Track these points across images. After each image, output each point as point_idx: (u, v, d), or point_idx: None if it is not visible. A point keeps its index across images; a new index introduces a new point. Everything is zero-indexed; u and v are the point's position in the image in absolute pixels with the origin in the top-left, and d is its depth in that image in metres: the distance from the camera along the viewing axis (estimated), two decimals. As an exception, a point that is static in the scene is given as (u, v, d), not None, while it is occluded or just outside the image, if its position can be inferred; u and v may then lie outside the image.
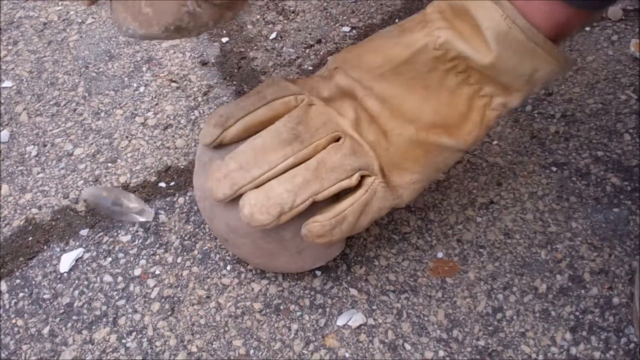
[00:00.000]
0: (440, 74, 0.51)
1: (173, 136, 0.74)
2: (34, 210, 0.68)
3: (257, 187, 0.53)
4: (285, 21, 0.88)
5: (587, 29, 0.84)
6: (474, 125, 0.52)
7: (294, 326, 0.59)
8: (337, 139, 0.53)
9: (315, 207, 0.53)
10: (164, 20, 0.53)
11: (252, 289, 0.61)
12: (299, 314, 0.60)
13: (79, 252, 0.64)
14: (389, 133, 0.53)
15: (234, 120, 0.55)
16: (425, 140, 0.53)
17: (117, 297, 0.61)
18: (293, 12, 0.89)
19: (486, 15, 0.47)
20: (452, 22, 0.50)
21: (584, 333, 0.58)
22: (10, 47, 0.86)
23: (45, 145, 0.74)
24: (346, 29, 0.87)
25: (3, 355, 0.58)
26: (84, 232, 0.66)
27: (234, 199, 0.54)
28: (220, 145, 0.56)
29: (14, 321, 0.60)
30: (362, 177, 0.53)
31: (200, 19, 0.53)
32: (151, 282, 0.62)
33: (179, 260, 0.64)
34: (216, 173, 0.54)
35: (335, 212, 0.53)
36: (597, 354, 0.57)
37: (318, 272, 0.62)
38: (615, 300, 0.60)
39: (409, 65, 0.51)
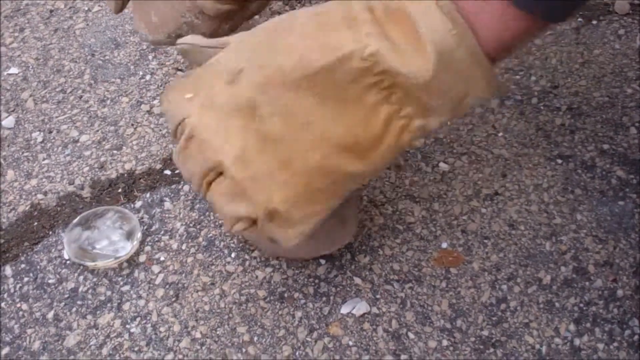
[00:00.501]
0: (361, 87, 0.43)
1: (179, 124, 0.74)
2: (40, 196, 0.68)
3: None
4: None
5: (594, 22, 0.84)
6: (388, 149, 0.45)
7: (298, 314, 0.59)
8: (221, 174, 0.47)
9: None
10: (167, 28, 0.62)
11: (257, 277, 0.62)
12: (303, 301, 0.60)
13: (84, 237, 0.65)
14: (291, 162, 0.45)
15: None
16: (332, 169, 0.45)
17: (121, 283, 0.62)
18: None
19: (431, 25, 0.40)
20: (384, 26, 0.42)
21: (588, 325, 0.58)
22: (16, 34, 0.86)
23: (50, 132, 0.74)
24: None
25: (7, 339, 0.58)
26: (89, 218, 0.67)
27: None
28: None
29: (18, 305, 0.60)
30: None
31: (198, 29, 0.61)
32: (156, 269, 0.62)
33: (183, 247, 0.64)
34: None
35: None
36: (600, 346, 0.57)
37: (322, 261, 0.62)
38: (620, 292, 0.60)
39: (327, 73, 0.43)
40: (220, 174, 0.46)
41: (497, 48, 0.42)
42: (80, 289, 0.61)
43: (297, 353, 0.57)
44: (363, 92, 0.43)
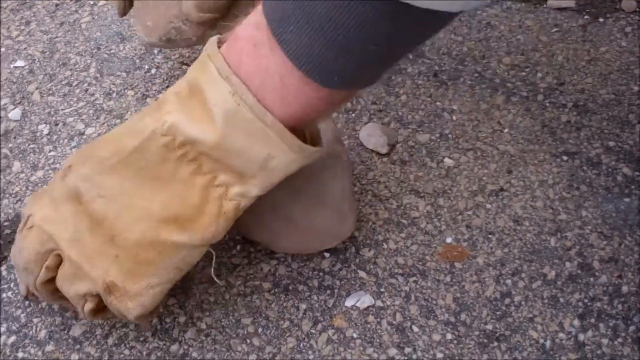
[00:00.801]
0: (172, 163, 0.47)
1: (184, 117, 0.75)
2: (45, 187, 0.69)
3: None
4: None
5: (601, 20, 0.84)
6: (211, 218, 0.48)
7: (303, 306, 0.59)
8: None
9: (312, 187, 0.55)
10: (158, 32, 0.68)
11: (262, 269, 0.62)
12: (307, 294, 0.60)
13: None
14: (116, 237, 0.48)
15: None
16: (155, 239, 0.48)
17: (126, 274, 0.62)
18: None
19: (215, 91, 0.44)
20: (185, 102, 0.46)
21: (592, 320, 0.58)
22: (22, 27, 0.86)
23: (57, 124, 0.75)
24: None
25: (14, 328, 0.58)
26: (94, 209, 0.67)
27: None
28: None
29: (23, 295, 0.61)
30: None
31: (185, 34, 0.67)
32: (161, 260, 0.62)
33: (188, 239, 0.64)
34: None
35: None
36: (604, 341, 0.57)
37: (327, 254, 0.62)
38: (625, 288, 0.60)
39: (138, 154, 0.47)
40: (60, 260, 0.50)
41: (292, 112, 0.44)
42: (85, 280, 0.61)
43: (301, 345, 0.57)
44: (175, 168, 0.47)
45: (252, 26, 0.44)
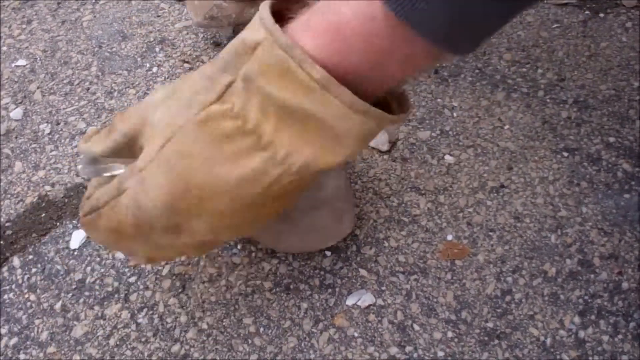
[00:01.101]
0: (282, 190, 0.44)
1: (185, 116, 0.75)
2: (47, 188, 0.69)
3: None
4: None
5: (601, 15, 0.84)
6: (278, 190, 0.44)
7: (304, 305, 0.60)
8: None
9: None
10: (203, 10, 0.74)
11: (263, 268, 0.62)
12: (308, 293, 0.60)
13: (91, 229, 0.65)
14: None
15: None
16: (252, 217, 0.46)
17: (128, 274, 0.62)
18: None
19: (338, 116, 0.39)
20: (289, 128, 0.40)
21: (593, 317, 0.59)
22: (24, 26, 0.86)
23: (58, 124, 0.75)
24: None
25: (15, 329, 0.59)
26: (96, 209, 0.67)
27: None
28: None
29: (26, 296, 0.61)
30: None
31: (225, 11, 0.73)
32: (162, 260, 0.63)
33: (190, 238, 0.64)
34: None
35: None
36: (605, 338, 0.57)
37: (328, 253, 0.63)
38: (625, 285, 0.60)
39: (258, 198, 0.43)
40: None
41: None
42: (87, 280, 0.62)
43: (302, 344, 0.57)
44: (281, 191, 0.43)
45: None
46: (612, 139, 0.71)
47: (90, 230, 0.48)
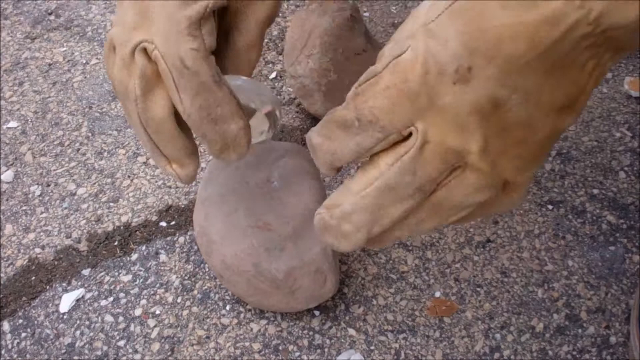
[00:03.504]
0: (578, 51, 0.42)
1: (174, 176, 0.76)
2: (37, 250, 0.69)
3: None
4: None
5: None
6: (587, 96, 0.44)
7: (293, 366, 0.60)
8: (457, 167, 0.44)
9: (302, 239, 0.55)
10: None
11: (251, 329, 0.62)
12: (297, 354, 0.60)
13: (79, 292, 0.65)
14: (527, 139, 0.44)
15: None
16: (559, 130, 0.44)
17: (117, 337, 0.62)
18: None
19: None
20: None
21: (581, 372, 0.59)
22: (15, 88, 0.88)
23: (49, 185, 0.76)
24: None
25: (4, 397, 0.59)
26: (85, 271, 0.67)
27: (227, 235, 0.56)
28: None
29: (15, 362, 0.61)
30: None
31: None
32: (151, 322, 0.63)
33: (179, 300, 0.65)
34: (336, 241, 0.46)
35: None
36: (594, 394, 0.57)
37: (317, 312, 0.63)
38: (613, 339, 0.61)
39: (555, 47, 0.41)
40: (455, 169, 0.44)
41: None
42: (77, 344, 0.62)
43: (292, 406, 0.57)
44: (578, 54, 0.41)
45: None
46: (595, 191, 0.72)
47: (367, 94, 0.44)
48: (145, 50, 0.44)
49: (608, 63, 0.42)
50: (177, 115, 0.46)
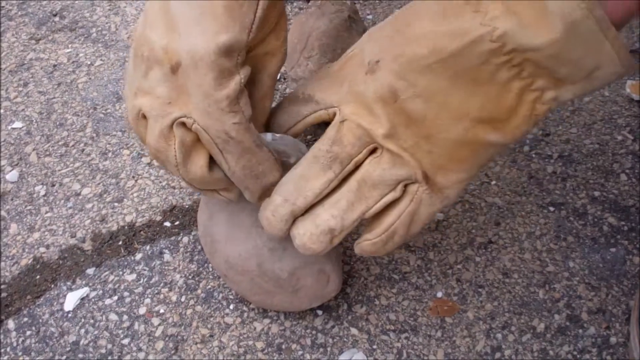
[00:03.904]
0: (492, 67, 0.46)
1: (178, 176, 0.76)
2: (42, 249, 0.70)
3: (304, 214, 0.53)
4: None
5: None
6: (523, 120, 0.48)
7: (296, 365, 0.60)
8: (374, 150, 0.51)
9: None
10: None
11: (255, 328, 0.63)
12: (300, 353, 0.61)
13: (84, 291, 0.66)
14: (433, 135, 0.49)
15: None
16: (472, 139, 0.49)
17: (122, 336, 0.63)
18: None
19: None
20: (510, 3, 0.43)
21: (582, 372, 0.59)
22: (20, 89, 0.88)
23: (53, 185, 0.76)
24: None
25: (10, 394, 0.59)
26: (90, 270, 0.68)
27: (231, 235, 0.57)
28: None
29: (21, 359, 0.61)
30: (406, 186, 0.51)
31: None
32: (156, 321, 0.63)
33: (182, 299, 0.65)
34: (265, 211, 0.53)
35: (384, 227, 0.52)
36: (594, 394, 0.58)
37: (319, 312, 0.63)
38: (613, 339, 0.61)
39: (458, 57, 0.46)
40: (372, 151, 0.51)
41: (624, 18, 0.43)
42: (81, 342, 0.62)
43: (294, 405, 0.58)
44: (494, 71, 0.46)
45: None
46: (597, 193, 0.72)
47: (316, 77, 0.55)
48: (183, 123, 0.48)
49: (549, 93, 0.46)
50: None
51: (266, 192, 0.53)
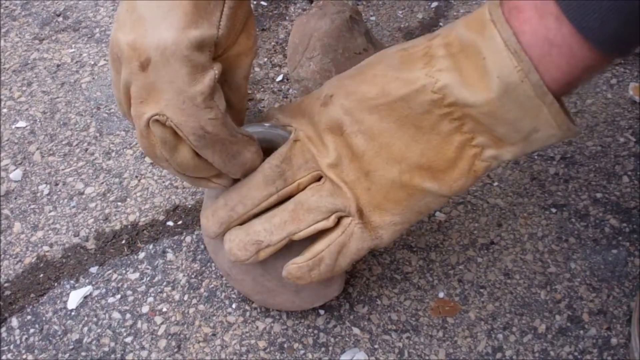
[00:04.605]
0: (434, 117, 0.49)
1: (181, 176, 0.76)
2: (45, 248, 0.70)
3: (242, 223, 0.55)
4: (292, 64, 0.90)
5: (586, 72, 0.86)
6: (461, 174, 0.51)
7: (298, 364, 0.60)
8: (319, 178, 0.54)
9: (302, 245, 0.55)
10: None
11: (257, 327, 0.63)
12: (302, 352, 0.61)
13: (87, 289, 0.66)
14: (371, 173, 0.52)
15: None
16: (408, 183, 0.51)
17: (125, 334, 0.63)
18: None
19: (498, 62, 0.44)
20: (456, 59, 0.46)
21: (583, 373, 0.59)
22: (24, 88, 0.89)
23: (57, 184, 0.76)
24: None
25: (13, 391, 0.59)
26: (93, 269, 0.68)
27: None
28: None
29: (24, 357, 0.62)
30: (340, 218, 0.53)
31: None
32: (158, 320, 0.64)
33: (185, 297, 0.65)
34: (206, 210, 0.56)
35: (312, 253, 0.53)
36: (595, 395, 0.58)
37: (321, 311, 0.64)
38: (614, 340, 0.61)
39: (404, 102, 0.49)
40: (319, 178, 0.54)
41: (565, 85, 0.45)
42: (84, 340, 0.63)
43: (296, 404, 0.58)
44: (436, 122, 0.49)
45: None
46: (599, 195, 0.73)
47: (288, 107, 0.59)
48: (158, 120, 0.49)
49: (489, 151, 0.49)
50: None
51: (246, 170, 0.54)
